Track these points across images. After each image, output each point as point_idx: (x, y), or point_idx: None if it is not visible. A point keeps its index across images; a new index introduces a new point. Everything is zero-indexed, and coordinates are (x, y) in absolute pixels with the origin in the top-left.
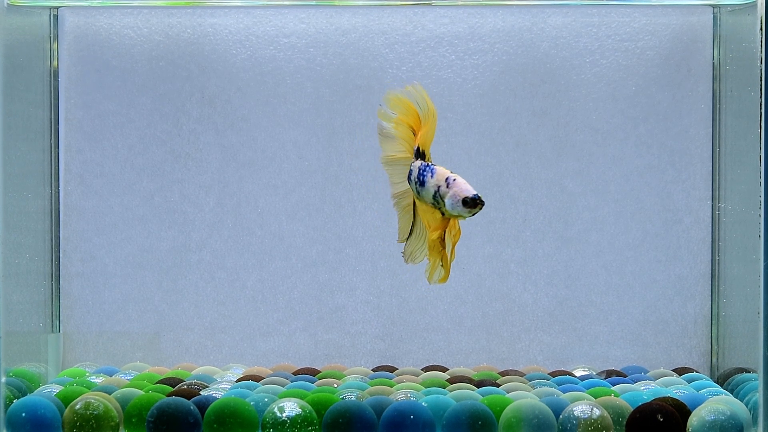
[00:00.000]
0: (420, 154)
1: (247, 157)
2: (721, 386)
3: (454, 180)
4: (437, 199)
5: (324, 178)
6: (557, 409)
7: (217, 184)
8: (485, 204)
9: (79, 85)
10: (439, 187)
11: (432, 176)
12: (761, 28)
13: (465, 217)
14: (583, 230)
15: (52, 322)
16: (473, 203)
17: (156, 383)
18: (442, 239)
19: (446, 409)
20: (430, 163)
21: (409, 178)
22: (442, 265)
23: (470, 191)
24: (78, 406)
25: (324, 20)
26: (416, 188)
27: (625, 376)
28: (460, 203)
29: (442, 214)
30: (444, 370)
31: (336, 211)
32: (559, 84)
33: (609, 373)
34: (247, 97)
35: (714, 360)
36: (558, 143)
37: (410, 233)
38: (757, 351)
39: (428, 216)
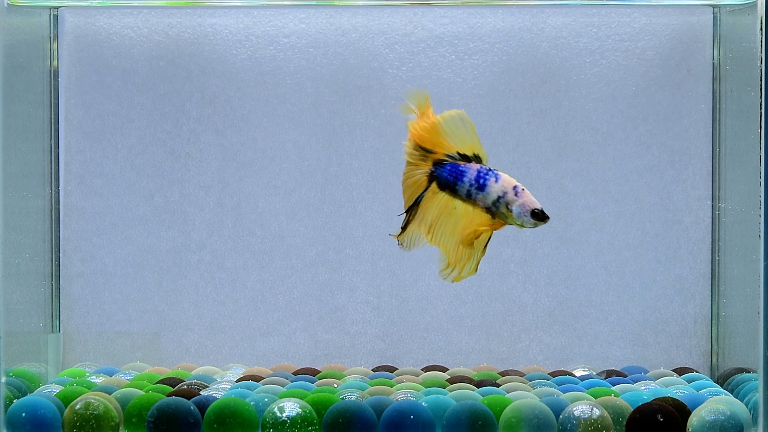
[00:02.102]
0: (475, 158)
1: (247, 157)
2: (721, 386)
3: (522, 190)
4: (497, 205)
5: (324, 178)
6: (557, 409)
7: (217, 184)
8: (549, 219)
9: (79, 85)
10: (505, 193)
11: (497, 181)
12: (761, 28)
13: (524, 227)
14: (583, 230)
15: (52, 322)
16: (542, 216)
17: (156, 383)
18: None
19: (446, 409)
20: (493, 169)
21: (459, 176)
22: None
23: (538, 204)
24: (78, 406)
25: (324, 20)
26: (470, 189)
27: (625, 376)
28: (529, 214)
29: (493, 217)
30: (444, 370)
31: (336, 211)
32: (559, 84)
33: (609, 373)
34: (247, 97)
35: (714, 360)
36: (558, 143)
37: (408, 222)
38: (757, 351)
39: (470, 218)
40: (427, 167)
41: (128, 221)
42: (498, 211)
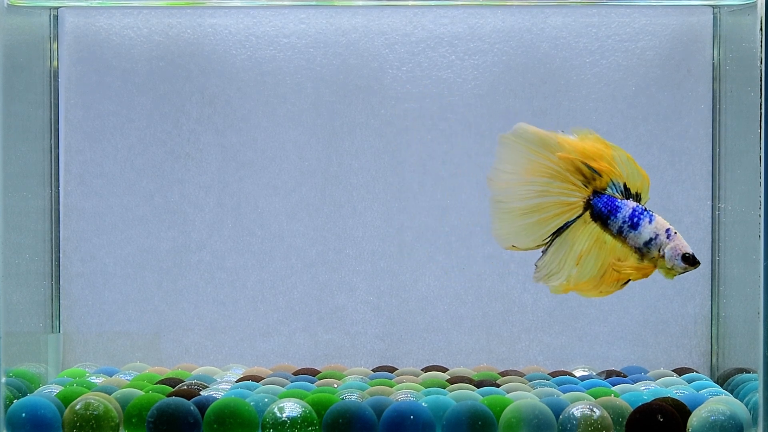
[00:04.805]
0: (635, 197)
1: (247, 157)
2: (721, 386)
3: (675, 233)
4: (649, 247)
5: (324, 178)
6: (557, 409)
7: (217, 184)
8: (701, 264)
9: (79, 85)
10: (657, 235)
11: (650, 222)
12: (761, 28)
13: (675, 272)
14: None
15: (52, 322)
16: (692, 260)
17: (156, 383)
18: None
19: (446, 409)
20: (648, 210)
21: (613, 211)
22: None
23: (689, 248)
24: (78, 407)
25: (324, 20)
26: (622, 227)
27: (625, 377)
28: (680, 257)
29: (640, 258)
30: (444, 370)
31: (336, 211)
32: (559, 84)
33: (609, 373)
34: (247, 97)
35: (714, 360)
36: None
37: (546, 251)
38: (757, 351)
39: (617, 255)
40: (586, 193)
41: (128, 221)
42: (648, 253)
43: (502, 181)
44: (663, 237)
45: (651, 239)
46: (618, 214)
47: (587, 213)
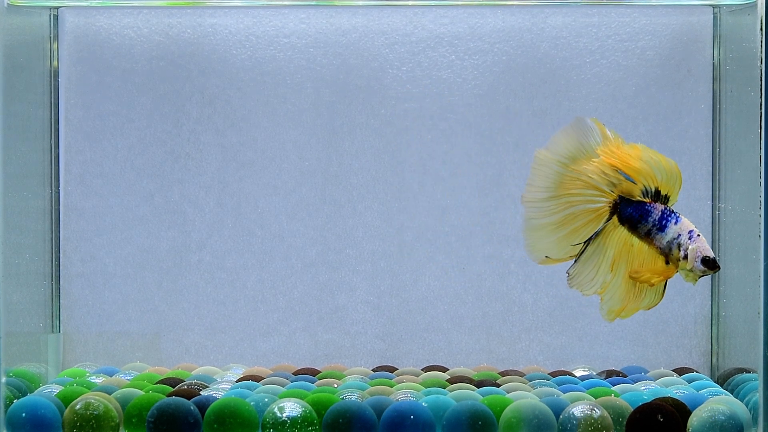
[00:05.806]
0: (663, 198)
1: (247, 157)
2: (721, 386)
3: (698, 236)
4: (671, 246)
5: (324, 178)
6: (557, 409)
7: (217, 184)
8: (720, 269)
9: (79, 85)
10: (679, 235)
11: (676, 224)
12: (761, 28)
13: (696, 274)
14: None
15: (52, 322)
16: (712, 264)
17: (156, 383)
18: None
19: (446, 409)
20: (675, 212)
21: (644, 215)
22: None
23: (711, 252)
24: (78, 406)
25: (324, 20)
26: (651, 229)
27: (625, 376)
28: (700, 260)
29: (666, 261)
30: (444, 370)
31: (336, 211)
32: (559, 84)
33: (609, 373)
34: (247, 97)
35: (714, 360)
36: None
37: (578, 258)
38: (757, 351)
39: (644, 257)
40: (612, 197)
41: (128, 221)
42: (670, 252)
43: (534, 197)
44: (685, 237)
45: (673, 239)
46: (648, 218)
47: (615, 217)
